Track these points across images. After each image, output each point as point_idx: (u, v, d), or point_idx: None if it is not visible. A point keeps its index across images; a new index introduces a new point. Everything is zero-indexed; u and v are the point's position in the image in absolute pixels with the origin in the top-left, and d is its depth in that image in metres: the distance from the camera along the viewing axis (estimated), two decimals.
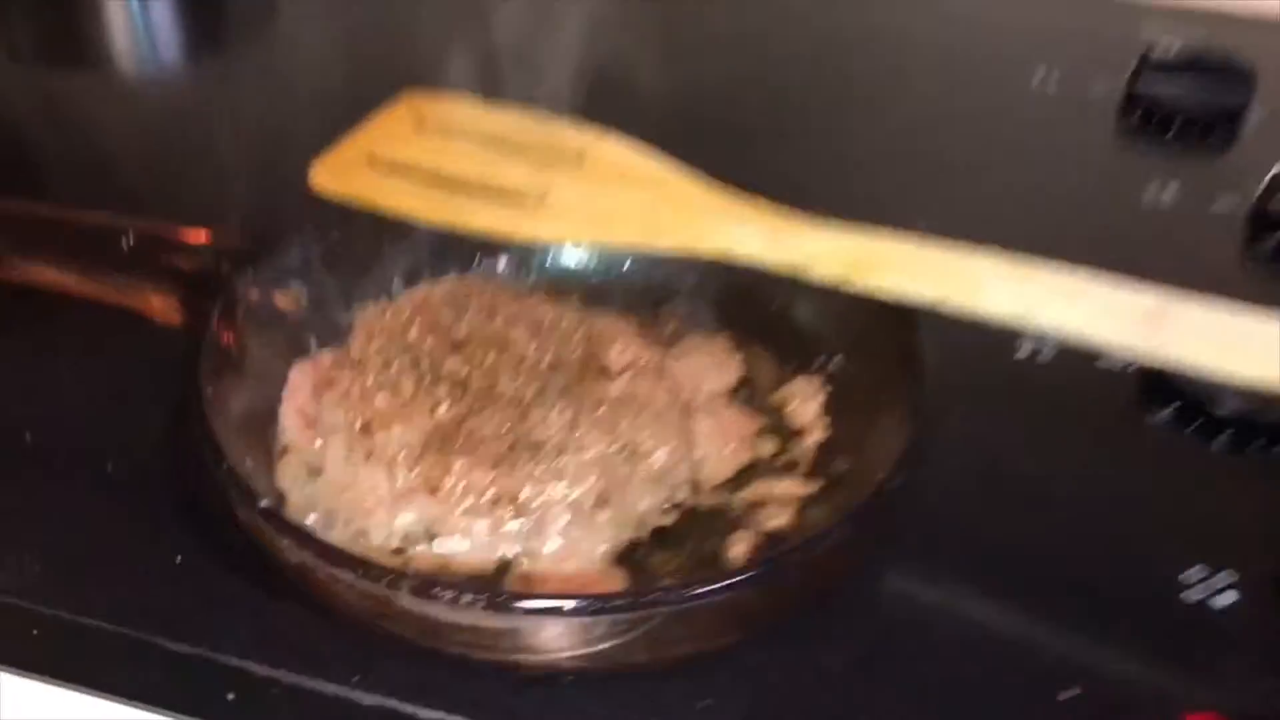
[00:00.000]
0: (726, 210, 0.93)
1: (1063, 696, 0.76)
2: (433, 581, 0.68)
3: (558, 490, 0.81)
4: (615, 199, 0.95)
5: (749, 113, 1.34)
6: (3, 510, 0.86)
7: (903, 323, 0.89)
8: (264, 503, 0.72)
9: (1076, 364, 0.91)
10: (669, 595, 0.68)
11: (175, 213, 0.98)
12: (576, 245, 0.99)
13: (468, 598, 0.66)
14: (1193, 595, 0.83)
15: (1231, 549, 0.86)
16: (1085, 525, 0.89)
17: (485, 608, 0.65)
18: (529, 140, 1.01)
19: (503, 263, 1.06)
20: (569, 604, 0.67)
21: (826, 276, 0.89)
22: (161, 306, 0.90)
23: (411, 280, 1.03)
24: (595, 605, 0.67)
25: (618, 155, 0.99)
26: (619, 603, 0.69)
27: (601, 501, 0.81)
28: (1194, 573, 0.85)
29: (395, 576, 0.67)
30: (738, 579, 0.69)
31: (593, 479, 0.82)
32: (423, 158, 0.99)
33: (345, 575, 0.67)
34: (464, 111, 1.04)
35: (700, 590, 0.68)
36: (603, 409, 0.86)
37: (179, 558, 0.83)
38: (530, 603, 0.68)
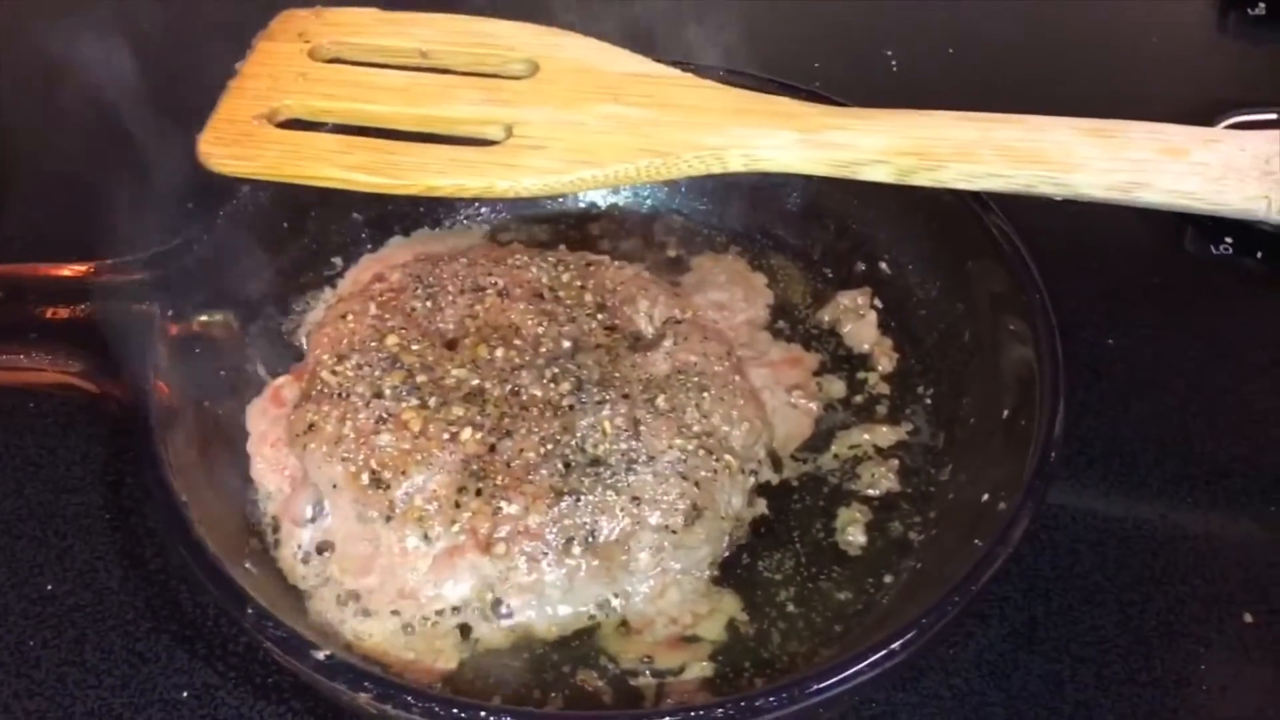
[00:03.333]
0: (745, 110, 0.75)
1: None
2: None
3: (640, 514, 0.66)
4: (599, 117, 0.75)
5: None
6: None
7: (966, 205, 0.75)
8: (322, 654, 0.54)
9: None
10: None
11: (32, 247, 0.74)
12: (566, 190, 0.78)
13: None
14: None
15: None
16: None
17: None
18: (460, 52, 0.80)
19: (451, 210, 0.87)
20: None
21: (881, 176, 0.73)
22: (61, 376, 0.68)
23: (350, 254, 0.84)
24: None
25: (581, 54, 0.79)
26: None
27: (693, 515, 0.67)
28: None
29: None
30: (898, 647, 0.55)
31: (677, 491, 0.67)
32: (336, 97, 0.77)
33: None
34: (363, 23, 0.81)
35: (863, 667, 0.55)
36: (660, 396, 0.70)
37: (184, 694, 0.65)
38: None
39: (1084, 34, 1.12)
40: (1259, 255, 0.91)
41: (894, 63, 1.06)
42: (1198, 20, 1.13)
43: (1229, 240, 0.90)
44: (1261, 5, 1.11)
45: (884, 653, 0.55)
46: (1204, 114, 0.95)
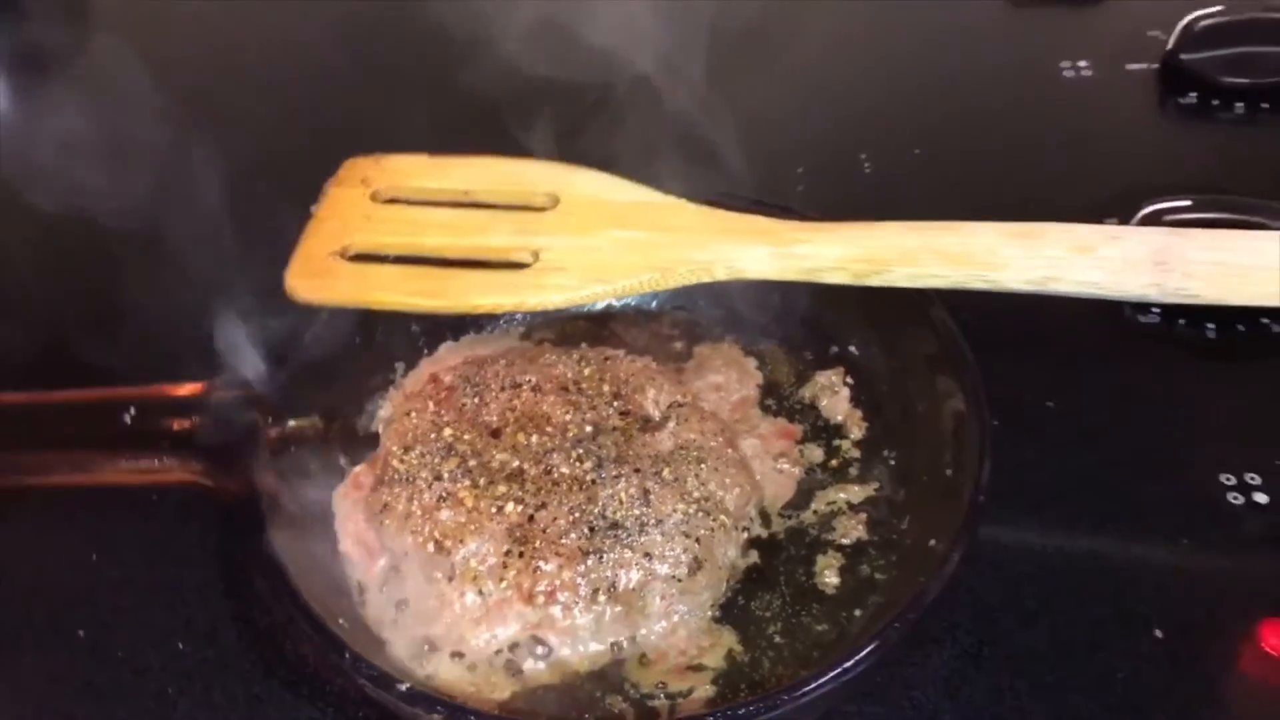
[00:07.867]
0: (727, 230, 0.91)
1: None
2: None
3: (652, 567, 0.82)
4: (609, 241, 0.92)
5: None
6: None
7: (916, 298, 0.91)
8: (404, 687, 0.71)
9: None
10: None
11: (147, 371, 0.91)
12: (585, 302, 0.95)
13: None
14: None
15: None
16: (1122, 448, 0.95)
17: None
18: (496, 189, 0.97)
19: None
20: None
21: (840, 279, 0.89)
22: (185, 475, 0.85)
23: (409, 359, 1.01)
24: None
25: (592, 188, 0.96)
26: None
27: (696, 566, 0.83)
28: (1227, 477, 0.92)
29: None
30: (857, 660, 0.71)
31: (681, 547, 0.83)
32: (395, 233, 0.94)
33: None
34: (415, 169, 0.99)
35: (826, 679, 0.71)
36: (665, 469, 0.86)
37: None
38: None
39: (1036, 127, 1.28)
40: (1209, 326, 1.04)
41: (867, 165, 1.22)
42: (1143, 109, 1.28)
43: (1156, 310, 1.05)
44: (1193, 95, 1.26)
45: (838, 670, 0.70)
46: (1133, 199, 1.11)
